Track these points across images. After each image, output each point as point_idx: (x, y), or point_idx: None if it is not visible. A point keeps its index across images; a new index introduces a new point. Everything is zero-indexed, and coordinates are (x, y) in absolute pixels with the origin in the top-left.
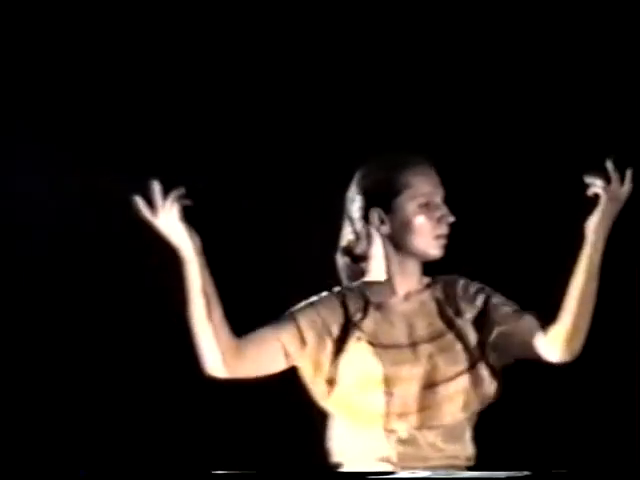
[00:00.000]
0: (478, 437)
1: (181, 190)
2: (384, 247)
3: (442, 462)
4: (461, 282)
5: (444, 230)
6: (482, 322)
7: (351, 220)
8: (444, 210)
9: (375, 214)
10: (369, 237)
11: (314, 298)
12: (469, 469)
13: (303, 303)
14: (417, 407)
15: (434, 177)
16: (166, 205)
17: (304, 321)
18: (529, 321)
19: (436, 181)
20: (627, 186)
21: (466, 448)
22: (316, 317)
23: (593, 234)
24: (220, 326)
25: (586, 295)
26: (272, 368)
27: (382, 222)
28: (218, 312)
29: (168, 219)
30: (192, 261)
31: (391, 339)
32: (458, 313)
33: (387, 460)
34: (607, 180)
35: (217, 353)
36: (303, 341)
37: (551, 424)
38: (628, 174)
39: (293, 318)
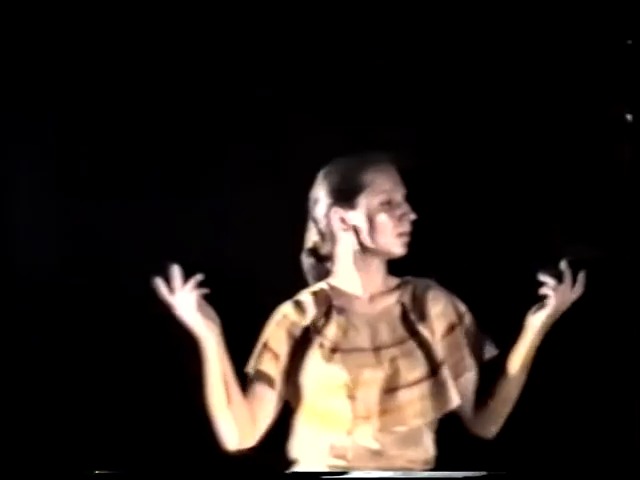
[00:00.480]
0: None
1: (199, 277)
2: (347, 246)
3: (399, 465)
4: (433, 292)
5: (406, 228)
6: (451, 338)
7: (315, 221)
8: (406, 208)
9: (337, 213)
10: (333, 237)
11: (276, 313)
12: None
13: (268, 325)
14: (379, 411)
15: (395, 175)
16: (185, 291)
17: (272, 340)
18: (469, 380)
19: (397, 179)
20: (578, 289)
21: (425, 452)
22: (279, 330)
23: (534, 333)
24: (239, 410)
25: (514, 387)
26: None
27: (343, 221)
28: (237, 396)
29: (186, 307)
30: (211, 349)
31: (354, 343)
32: (423, 319)
33: (343, 458)
34: (559, 280)
35: (236, 434)
36: (277, 356)
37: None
38: (580, 276)
39: (264, 346)
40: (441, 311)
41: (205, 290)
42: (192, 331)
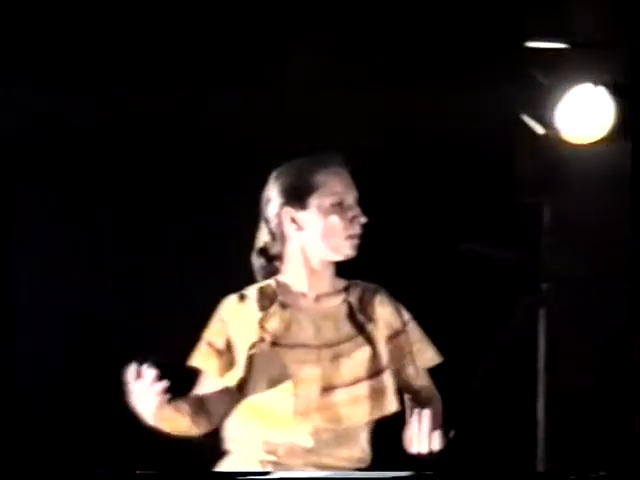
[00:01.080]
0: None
1: (164, 384)
2: (297, 246)
3: (331, 463)
4: (380, 296)
5: (356, 230)
6: (395, 344)
7: (267, 220)
8: (356, 211)
9: (288, 213)
10: (283, 236)
11: (219, 307)
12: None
13: (215, 323)
14: (316, 408)
15: (347, 178)
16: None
17: (211, 335)
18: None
19: (349, 182)
20: None
21: (360, 451)
22: (221, 325)
23: None
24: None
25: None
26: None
27: (294, 221)
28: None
29: (143, 402)
30: None
31: (296, 339)
32: (369, 318)
33: (274, 454)
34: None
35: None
36: (219, 352)
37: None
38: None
39: (208, 344)
40: (387, 316)
41: (167, 397)
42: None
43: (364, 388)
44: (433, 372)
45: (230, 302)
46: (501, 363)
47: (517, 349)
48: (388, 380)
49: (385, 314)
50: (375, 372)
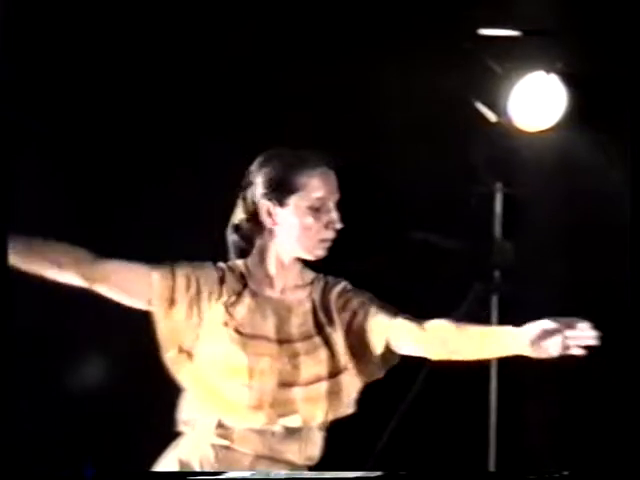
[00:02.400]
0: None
1: None
2: (269, 238)
3: (281, 456)
4: (340, 287)
5: (330, 235)
6: (352, 329)
7: (245, 200)
8: (334, 216)
9: (266, 205)
10: (259, 224)
11: (197, 263)
12: (311, 469)
13: (186, 262)
14: (270, 403)
15: (332, 181)
16: None
17: (180, 282)
18: (403, 322)
19: (333, 185)
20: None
21: (312, 449)
22: (193, 283)
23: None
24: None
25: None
26: (130, 294)
27: (270, 215)
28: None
29: None
30: None
31: (259, 330)
32: (329, 320)
33: (228, 438)
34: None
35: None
36: (173, 302)
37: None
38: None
39: (172, 273)
40: (344, 305)
41: None
42: None
43: (322, 388)
44: None
45: (209, 270)
46: None
47: None
48: (347, 381)
49: (341, 304)
50: (334, 373)
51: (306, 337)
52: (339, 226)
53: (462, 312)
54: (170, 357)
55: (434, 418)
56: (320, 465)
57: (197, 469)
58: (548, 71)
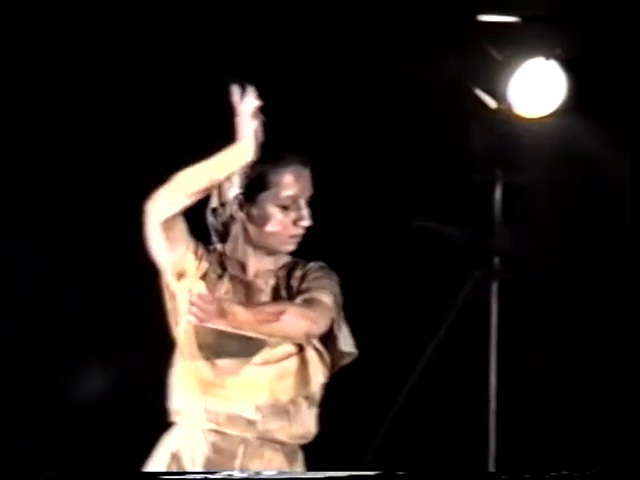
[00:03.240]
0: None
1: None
2: (241, 230)
3: (271, 435)
4: (308, 266)
5: (299, 231)
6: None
7: (220, 190)
8: (303, 213)
9: (238, 200)
10: (232, 215)
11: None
12: (303, 447)
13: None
14: (241, 382)
15: (305, 178)
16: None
17: (190, 257)
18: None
19: (306, 183)
20: None
21: (302, 426)
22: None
23: None
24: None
25: None
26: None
27: (242, 209)
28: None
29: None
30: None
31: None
32: (290, 297)
33: (215, 422)
34: None
35: (168, 214)
36: (182, 273)
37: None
38: None
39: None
40: (301, 279)
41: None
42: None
43: (290, 364)
44: (388, 348)
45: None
46: (454, 337)
47: (470, 323)
48: (313, 355)
49: (299, 279)
50: (300, 348)
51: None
52: (308, 223)
53: (462, 300)
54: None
55: (433, 418)
56: (318, 465)
57: (188, 458)
58: (548, 57)
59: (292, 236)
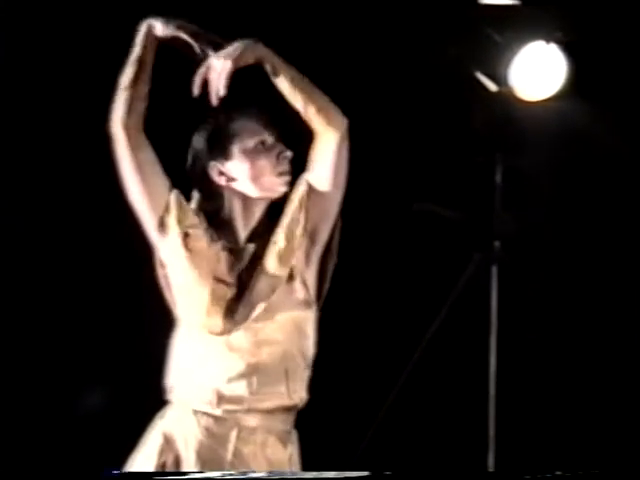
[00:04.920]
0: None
1: None
2: (231, 199)
3: (268, 405)
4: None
5: (285, 167)
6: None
7: (196, 183)
8: (280, 147)
9: (215, 167)
10: (217, 193)
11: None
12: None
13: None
14: (253, 344)
15: (264, 119)
16: None
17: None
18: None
19: (266, 122)
20: None
21: (299, 388)
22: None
23: None
24: (138, 99)
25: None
26: (150, 190)
27: (222, 174)
28: (143, 88)
29: None
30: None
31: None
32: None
33: (211, 404)
34: None
35: (124, 113)
36: (164, 227)
37: None
38: None
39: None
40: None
41: None
42: None
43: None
44: (393, 330)
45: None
46: (454, 320)
47: (470, 305)
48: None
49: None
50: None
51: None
52: (289, 154)
53: (462, 282)
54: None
55: (432, 417)
56: (315, 465)
57: (181, 440)
58: (548, 40)
59: (280, 173)
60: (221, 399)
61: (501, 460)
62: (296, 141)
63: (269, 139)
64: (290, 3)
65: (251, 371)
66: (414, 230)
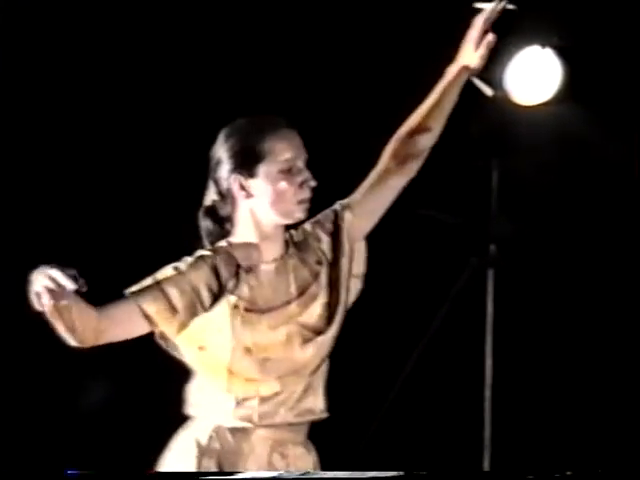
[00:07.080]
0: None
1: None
2: (247, 212)
3: (297, 418)
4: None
5: (306, 194)
6: (337, 239)
7: (216, 181)
8: (306, 175)
9: (237, 180)
10: (234, 201)
11: (180, 264)
12: (317, 423)
13: (169, 269)
14: (292, 367)
15: (296, 141)
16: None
17: (173, 291)
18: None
19: (298, 145)
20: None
21: (321, 401)
22: (186, 285)
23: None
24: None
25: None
26: (133, 334)
27: (243, 188)
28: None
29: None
30: None
31: (267, 303)
32: (319, 262)
33: (249, 420)
34: None
35: (76, 333)
36: (173, 309)
37: None
38: None
39: (160, 289)
40: (321, 225)
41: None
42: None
43: (325, 339)
44: (389, 333)
45: (196, 264)
46: (450, 324)
47: (466, 308)
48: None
49: (318, 229)
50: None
51: (306, 286)
52: (313, 184)
53: (458, 286)
54: (185, 352)
55: (430, 417)
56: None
57: (210, 453)
58: (544, 45)
59: (300, 201)
60: (259, 416)
61: (497, 461)
62: (326, 171)
63: (297, 164)
64: (289, 9)
65: (280, 389)
66: (410, 234)
